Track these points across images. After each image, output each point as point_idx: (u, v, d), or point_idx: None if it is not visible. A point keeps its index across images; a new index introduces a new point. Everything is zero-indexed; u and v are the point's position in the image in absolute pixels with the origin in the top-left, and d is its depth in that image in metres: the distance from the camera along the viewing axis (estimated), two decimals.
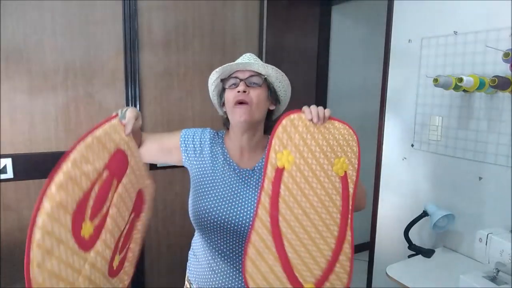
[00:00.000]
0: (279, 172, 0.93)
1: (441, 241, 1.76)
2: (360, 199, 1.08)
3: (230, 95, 1.06)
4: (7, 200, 1.72)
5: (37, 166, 1.76)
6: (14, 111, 1.70)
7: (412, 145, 1.88)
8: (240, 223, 1.03)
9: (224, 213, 1.04)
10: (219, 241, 1.06)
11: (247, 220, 1.02)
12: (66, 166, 0.76)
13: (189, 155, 1.12)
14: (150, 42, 1.94)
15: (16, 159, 1.72)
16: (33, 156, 1.75)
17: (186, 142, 1.13)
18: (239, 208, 1.04)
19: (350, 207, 0.95)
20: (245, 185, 1.08)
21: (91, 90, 1.84)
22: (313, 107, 0.97)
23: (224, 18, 2.11)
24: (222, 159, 1.11)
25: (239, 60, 1.11)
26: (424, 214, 1.72)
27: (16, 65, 1.68)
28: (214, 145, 1.13)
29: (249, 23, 2.19)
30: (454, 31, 1.65)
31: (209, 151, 1.12)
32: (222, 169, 1.09)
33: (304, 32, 2.80)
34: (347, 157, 0.96)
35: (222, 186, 1.07)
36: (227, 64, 1.08)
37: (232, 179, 1.09)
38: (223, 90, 1.12)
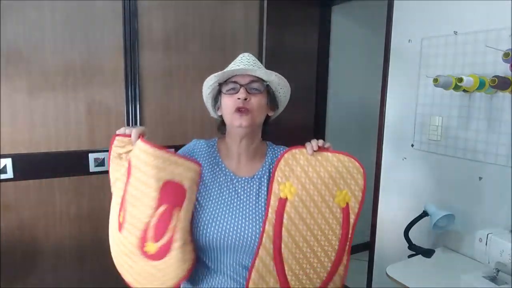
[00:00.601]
0: (282, 202, 0.99)
1: (441, 241, 1.76)
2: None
3: (229, 101, 1.01)
4: (7, 200, 1.72)
5: (37, 166, 1.76)
6: (14, 111, 1.70)
7: (412, 145, 1.88)
8: (240, 236, 0.98)
9: (223, 228, 0.98)
10: (219, 256, 1.02)
11: (248, 234, 0.98)
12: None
13: None
14: (150, 42, 1.94)
15: (16, 159, 1.72)
16: (33, 156, 1.75)
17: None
18: (239, 222, 0.99)
19: (350, 235, 1.00)
20: (245, 195, 1.03)
21: (91, 90, 1.84)
22: (313, 141, 1.03)
23: (224, 18, 2.11)
24: (218, 169, 1.06)
25: (237, 61, 1.06)
26: (424, 214, 1.71)
27: (16, 65, 1.68)
28: (208, 156, 1.08)
29: (249, 23, 2.19)
30: (454, 31, 1.65)
31: (205, 163, 1.06)
32: (218, 180, 1.04)
33: (304, 32, 2.80)
34: (350, 189, 1.00)
35: (220, 198, 1.02)
36: (229, 69, 1.03)
37: (230, 190, 1.03)
38: (219, 93, 1.06)
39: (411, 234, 1.76)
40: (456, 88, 1.53)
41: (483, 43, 1.53)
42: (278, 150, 1.13)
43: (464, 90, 1.56)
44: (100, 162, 1.86)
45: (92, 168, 1.86)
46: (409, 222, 1.77)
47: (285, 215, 0.98)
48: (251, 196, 1.03)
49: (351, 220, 1.00)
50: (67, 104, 1.80)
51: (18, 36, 1.67)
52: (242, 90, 1.00)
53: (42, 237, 1.80)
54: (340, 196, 0.99)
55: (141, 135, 0.94)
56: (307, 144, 1.03)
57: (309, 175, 1.00)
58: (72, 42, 1.78)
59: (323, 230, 0.99)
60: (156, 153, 0.90)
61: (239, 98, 0.99)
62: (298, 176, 1.00)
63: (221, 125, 1.11)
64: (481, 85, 1.47)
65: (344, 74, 3.07)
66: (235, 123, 1.01)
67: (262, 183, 1.05)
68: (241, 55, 1.08)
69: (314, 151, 1.01)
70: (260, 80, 1.04)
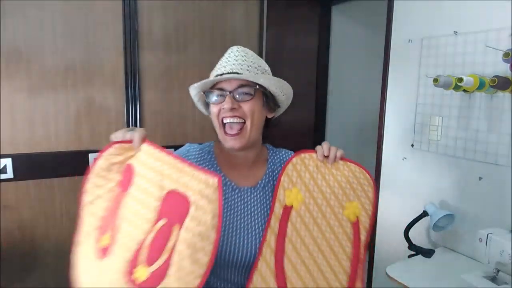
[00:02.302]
0: (287, 210, 0.88)
1: (441, 241, 1.76)
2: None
3: (216, 110, 0.90)
4: (7, 200, 1.72)
5: (37, 166, 1.76)
6: (14, 111, 1.70)
7: (412, 145, 1.88)
8: (243, 254, 0.88)
9: (226, 245, 0.88)
10: (220, 274, 0.91)
11: (252, 250, 0.88)
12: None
13: None
14: (150, 42, 1.94)
15: (16, 159, 1.72)
16: (33, 156, 1.75)
17: None
18: (242, 237, 0.89)
19: (362, 256, 0.88)
20: (248, 207, 0.93)
21: (91, 90, 1.84)
22: (325, 144, 0.91)
23: (224, 18, 2.11)
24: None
25: (224, 61, 0.92)
26: (424, 214, 1.71)
27: (16, 65, 1.68)
28: (204, 163, 0.94)
29: (249, 23, 2.19)
30: (454, 31, 1.65)
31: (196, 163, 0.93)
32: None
33: (304, 32, 2.80)
34: (360, 202, 0.90)
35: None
36: (214, 73, 0.91)
37: (232, 202, 0.92)
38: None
39: (411, 234, 1.76)
40: (456, 88, 1.53)
41: (483, 43, 1.52)
42: (280, 153, 1.03)
43: (464, 90, 1.56)
44: None
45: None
46: (409, 222, 1.77)
47: (289, 225, 0.86)
48: (255, 207, 0.93)
49: (362, 237, 0.88)
50: (67, 104, 1.80)
51: (18, 36, 1.67)
52: (228, 98, 0.87)
53: (42, 237, 1.80)
54: (350, 208, 0.89)
55: (144, 139, 0.81)
56: (318, 148, 0.92)
57: (317, 183, 0.90)
58: (72, 42, 1.77)
59: (332, 247, 0.87)
60: (164, 158, 0.78)
61: (223, 108, 0.87)
62: (306, 183, 0.89)
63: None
64: (481, 85, 1.47)
65: (344, 74, 3.07)
66: (226, 144, 0.90)
67: (267, 192, 0.96)
68: (229, 51, 0.95)
69: (325, 156, 0.91)
70: (250, 82, 0.89)
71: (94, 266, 0.80)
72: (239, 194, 0.93)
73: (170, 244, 0.73)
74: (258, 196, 0.94)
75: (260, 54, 2.23)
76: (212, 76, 0.92)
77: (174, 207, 0.75)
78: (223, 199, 0.89)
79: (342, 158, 0.92)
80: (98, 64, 1.84)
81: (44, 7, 1.70)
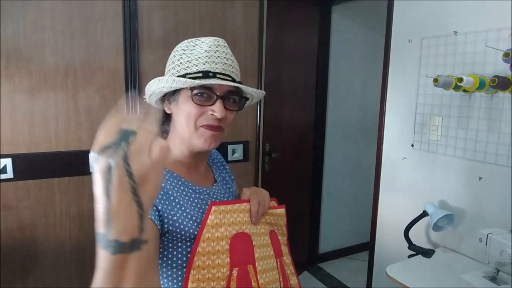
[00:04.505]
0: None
1: (441, 241, 1.76)
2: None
3: (196, 111, 0.77)
4: (7, 200, 1.72)
5: (37, 166, 1.76)
6: (14, 111, 1.70)
7: (412, 145, 1.88)
8: None
9: None
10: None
11: None
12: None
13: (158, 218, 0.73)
14: (150, 42, 1.94)
15: (16, 159, 1.72)
16: (33, 156, 1.75)
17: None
18: None
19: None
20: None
21: (91, 90, 1.84)
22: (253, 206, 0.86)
23: (224, 18, 2.11)
24: (185, 189, 0.81)
25: (212, 54, 0.80)
26: (424, 214, 1.72)
27: (16, 65, 1.68)
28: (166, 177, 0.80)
29: (249, 23, 2.19)
30: (454, 31, 1.65)
31: (168, 188, 0.78)
32: (194, 205, 0.81)
33: (304, 32, 2.80)
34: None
35: (196, 216, 0.79)
36: (198, 57, 0.79)
37: (201, 203, 0.83)
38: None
39: (411, 234, 1.76)
40: (456, 88, 1.53)
41: (483, 43, 1.53)
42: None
43: (464, 90, 1.56)
44: None
45: (92, 168, 1.86)
46: (409, 222, 1.77)
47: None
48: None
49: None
50: (67, 104, 1.80)
51: (18, 36, 1.67)
52: (219, 104, 0.77)
53: (42, 237, 1.80)
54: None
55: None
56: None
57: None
58: (72, 42, 1.77)
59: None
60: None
61: (212, 114, 0.77)
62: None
63: (167, 122, 0.86)
64: (481, 85, 1.47)
65: (344, 74, 3.07)
66: (200, 143, 0.79)
67: (226, 188, 0.94)
68: (214, 44, 0.83)
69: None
70: (237, 89, 0.82)
71: None
72: (204, 195, 0.85)
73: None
74: (220, 195, 0.90)
75: (260, 54, 2.23)
76: (191, 66, 0.80)
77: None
78: (196, 205, 0.82)
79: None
80: (98, 64, 1.84)
81: (44, 7, 1.70)
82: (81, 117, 1.83)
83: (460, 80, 1.46)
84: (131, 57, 1.89)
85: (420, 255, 1.67)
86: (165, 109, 0.85)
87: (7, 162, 1.70)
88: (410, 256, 1.71)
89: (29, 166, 1.75)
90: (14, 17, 1.65)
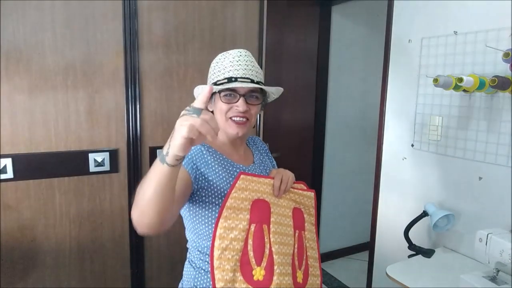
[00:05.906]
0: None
1: (441, 241, 1.77)
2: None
3: (225, 107, 1.03)
4: (7, 200, 1.72)
5: (37, 166, 1.76)
6: (14, 111, 1.70)
7: (412, 145, 1.88)
8: None
9: None
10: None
11: None
12: (217, 243, 0.94)
13: (195, 174, 1.00)
14: (150, 42, 1.94)
15: (16, 159, 1.72)
16: (33, 156, 1.75)
17: (190, 163, 1.00)
18: None
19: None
20: None
21: (91, 90, 1.84)
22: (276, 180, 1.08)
23: (224, 18, 2.11)
24: (229, 166, 1.06)
25: (235, 63, 1.02)
26: (424, 214, 1.72)
27: (16, 65, 1.68)
28: (213, 158, 1.04)
29: (249, 23, 2.19)
30: (454, 31, 1.65)
31: (215, 165, 1.03)
32: (230, 174, 1.04)
33: (304, 32, 2.80)
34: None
35: (229, 180, 1.04)
36: (225, 68, 1.01)
37: (236, 174, 1.03)
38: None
39: (411, 234, 1.76)
40: (456, 88, 1.53)
41: (483, 43, 1.53)
42: (253, 139, 1.28)
43: (464, 90, 1.56)
44: (100, 162, 1.86)
45: (92, 168, 1.86)
46: (409, 222, 1.77)
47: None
48: None
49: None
50: (67, 104, 1.80)
51: (18, 36, 1.67)
52: (241, 101, 1.01)
53: (42, 237, 1.80)
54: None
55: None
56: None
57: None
58: (72, 42, 1.77)
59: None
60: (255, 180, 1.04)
61: (237, 109, 1.02)
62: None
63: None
64: (481, 85, 1.47)
65: (344, 74, 3.07)
66: (231, 131, 1.05)
67: (262, 167, 1.17)
68: (237, 55, 1.05)
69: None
70: (259, 89, 1.05)
71: None
72: (245, 170, 1.08)
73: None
74: (258, 171, 1.13)
75: (260, 54, 2.23)
76: (220, 74, 1.04)
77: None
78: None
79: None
80: (98, 64, 1.84)
81: (44, 7, 1.70)
82: (81, 117, 1.83)
83: (460, 80, 1.46)
84: (131, 57, 1.89)
85: (420, 255, 1.67)
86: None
87: (7, 162, 1.70)
88: (410, 256, 1.71)
89: (29, 166, 1.75)
90: (14, 17, 1.65)
